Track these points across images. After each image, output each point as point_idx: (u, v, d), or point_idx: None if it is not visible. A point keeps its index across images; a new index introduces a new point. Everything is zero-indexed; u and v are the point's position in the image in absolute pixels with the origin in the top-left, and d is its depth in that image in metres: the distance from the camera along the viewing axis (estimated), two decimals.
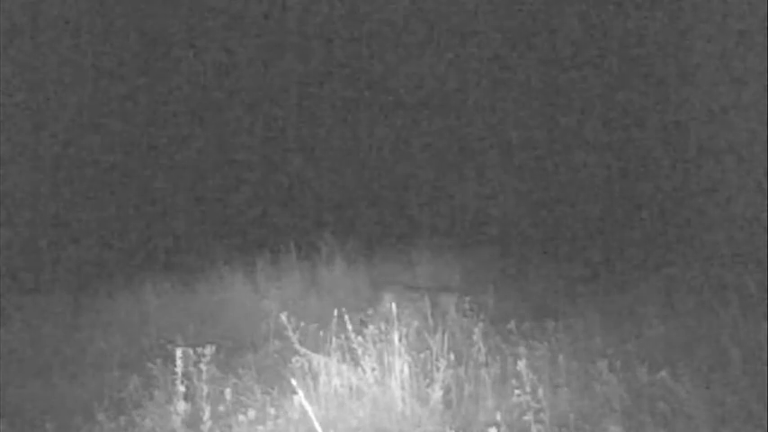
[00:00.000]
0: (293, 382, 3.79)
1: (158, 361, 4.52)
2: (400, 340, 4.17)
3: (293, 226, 8.50)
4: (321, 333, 4.58)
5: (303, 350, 4.33)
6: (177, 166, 9.45)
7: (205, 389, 3.92)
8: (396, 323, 4.26)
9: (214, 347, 4.15)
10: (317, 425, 3.48)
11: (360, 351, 4.21)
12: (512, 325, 4.78)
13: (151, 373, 4.49)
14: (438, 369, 4.09)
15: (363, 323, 4.48)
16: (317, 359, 4.23)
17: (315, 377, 4.13)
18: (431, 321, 4.92)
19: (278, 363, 4.80)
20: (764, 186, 6.50)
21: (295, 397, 3.76)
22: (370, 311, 4.82)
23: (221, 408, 3.90)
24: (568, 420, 3.71)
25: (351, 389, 4.12)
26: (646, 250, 7.32)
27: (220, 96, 9.68)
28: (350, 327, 4.32)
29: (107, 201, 8.97)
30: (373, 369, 4.13)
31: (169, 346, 4.41)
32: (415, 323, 4.64)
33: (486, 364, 4.27)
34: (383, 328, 4.33)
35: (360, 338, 4.26)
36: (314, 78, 9.71)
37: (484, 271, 7.14)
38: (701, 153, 7.92)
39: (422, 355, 4.34)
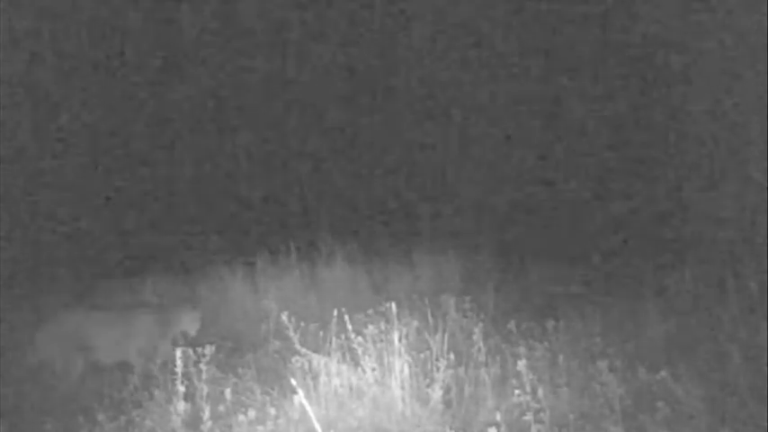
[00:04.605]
0: (293, 382, 3.79)
1: (158, 361, 4.53)
2: (400, 340, 4.17)
3: (293, 226, 8.49)
4: (321, 333, 4.57)
5: (303, 350, 4.33)
6: (177, 165, 9.45)
7: (205, 389, 3.92)
8: (396, 323, 4.26)
9: (214, 347, 4.16)
10: (316, 425, 3.48)
11: (360, 351, 4.21)
12: (512, 325, 4.77)
13: (151, 373, 4.49)
14: (438, 369, 4.09)
15: (363, 323, 4.48)
16: (317, 359, 4.23)
17: (315, 377, 4.13)
18: (431, 321, 4.91)
19: (278, 363, 4.78)
20: (764, 186, 6.49)
21: (295, 397, 3.76)
22: (369, 311, 4.81)
23: (221, 408, 3.90)
24: (568, 420, 3.71)
25: (351, 389, 4.12)
26: (646, 250, 7.31)
27: (221, 96, 9.68)
28: (350, 327, 4.33)
29: (107, 200, 8.97)
30: (373, 369, 4.13)
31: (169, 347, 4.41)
32: (415, 323, 4.63)
33: (486, 364, 4.27)
34: (383, 328, 4.33)
35: (360, 338, 4.26)
36: (314, 78, 9.71)
37: (484, 271, 7.13)
38: (700, 153, 7.91)
39: (422, 355, 4.34)
